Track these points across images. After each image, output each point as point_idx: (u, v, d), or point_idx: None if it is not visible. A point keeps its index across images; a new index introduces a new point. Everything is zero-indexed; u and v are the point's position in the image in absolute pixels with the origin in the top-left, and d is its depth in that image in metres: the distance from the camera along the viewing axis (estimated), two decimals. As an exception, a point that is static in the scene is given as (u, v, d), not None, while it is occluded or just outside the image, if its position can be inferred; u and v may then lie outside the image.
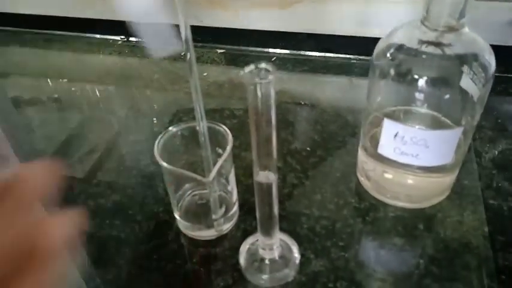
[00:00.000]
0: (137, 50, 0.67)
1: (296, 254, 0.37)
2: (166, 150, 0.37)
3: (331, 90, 0.59)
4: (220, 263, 0.38)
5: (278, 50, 0.64)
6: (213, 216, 0.38)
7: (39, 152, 0.52)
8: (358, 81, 0.58)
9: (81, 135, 0.54)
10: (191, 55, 0.31)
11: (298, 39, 0.63)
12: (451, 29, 0.32)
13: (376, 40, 0.38)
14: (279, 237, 0.36)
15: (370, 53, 0.37)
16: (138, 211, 0.43)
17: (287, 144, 0.49)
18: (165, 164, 0.34)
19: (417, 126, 0.35)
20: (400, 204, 0.41)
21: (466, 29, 0.33)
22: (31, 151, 0.51)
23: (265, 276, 0.36)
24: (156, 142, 0.36)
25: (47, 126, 0.57)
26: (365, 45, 0.58)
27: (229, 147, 0.35)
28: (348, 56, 0.61)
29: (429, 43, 0.33)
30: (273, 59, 0.62)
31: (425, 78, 0.34)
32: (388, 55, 0.35)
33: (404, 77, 0.35)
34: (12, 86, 0.65)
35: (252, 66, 0.25)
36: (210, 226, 0.38)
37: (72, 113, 0.58)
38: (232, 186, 0.39)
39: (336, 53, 0.62)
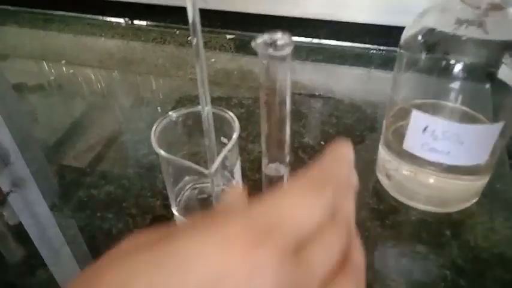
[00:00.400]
0: (141, 33, 0.63)
1: None
2: (166, 138, 0.33)
3: (348, 81, 0.54)
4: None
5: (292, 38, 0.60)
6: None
7: (36, 139, 0.49)
8: (377, 73, 0.54)
9: (78, 123, 0.50)
10: (198, 39, 0.27)
11: (313, 26, 0.58)
12: (494, 7, 0.28)
13: (399, 29, 0.33)
14: None
15: (390, 43, 0.33)
16: (133, 204, 0.39)
17: (299, 137, 0.45)
18: (162, 152, 0.30)
19: (450, 120, 0.31)
20: (423, 207, 0.37)
21: (511, 9, 0.28)
22: (29, 138, 0.48)
23: None
24: (154, 128, 0.32)
25: (44, 111, 0.53)
26: (386, 34, 0.54)
27: (235, 136, 0.31)
28: (366, 45, 0.57)
29: (469, 23, 0.28)
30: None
31: (460, 67, 0.29)
32: (419, 40, 0.31)
33: (435, 66, 0.31)
34: (11, 68, 0.61)
35: (265, 36, 0.21)
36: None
37: (70, 98, 0.55)
38: (238, 180, 0.35)
39: (354, 42, 0.58)
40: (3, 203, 0.41)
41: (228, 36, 0.60)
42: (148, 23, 0.64)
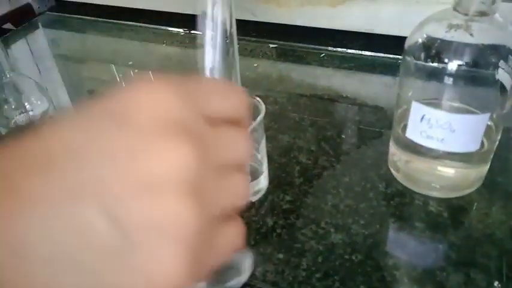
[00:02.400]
0: (196, 41, 0.73)
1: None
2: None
3: (375, 87, 0.60)
4: (246, 226, 0.40)
5: (328, 48, 0.66)
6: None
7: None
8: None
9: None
10: (234, 49, 0.35)
11: (348, 37, 0.65)
12: (482, 14, 0.33)
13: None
14: None
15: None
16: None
17: (323, 131, 0.51)
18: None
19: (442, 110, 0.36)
20: (428, 193, 0.41)
21: (497, 15, 0.33)
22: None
23: None
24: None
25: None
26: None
27: (260, 116, 0.38)
28: (396, 56, 0.62)
29: (458, 27, 0.34)
30: (321, 55, 0.65)
31: (456, 69, 0.35)
32: (418, 46, 0.37)
33: (433, 68, 0.36)
34: (88, 70, 0.73)
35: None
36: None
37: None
38: (263, 156, 0.41)
39: (384, 53, 0.63)
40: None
41: (271, 45, 0.68)
42: (204, 33, 0.74)
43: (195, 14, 0.74)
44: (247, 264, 0.36)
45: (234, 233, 0.19)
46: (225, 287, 0.34)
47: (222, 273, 0.34)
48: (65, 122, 0.15)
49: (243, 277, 0.35)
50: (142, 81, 0.16)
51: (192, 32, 0.74)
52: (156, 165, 0.14)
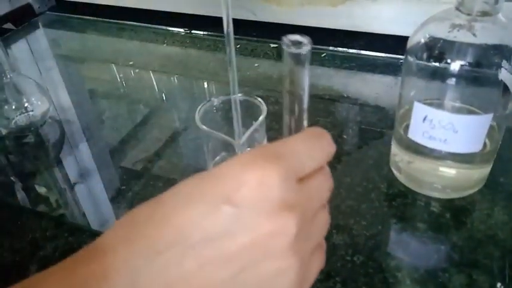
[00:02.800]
0: (197, 41, 0.73)
1: None
2: (207, 119, 0.40)
3: (376, 87, 0.60)
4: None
5: (329, 47, 0.66)
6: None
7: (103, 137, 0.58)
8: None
9: (140, 119, 0.59)
10: (231, 48, 0.34)
11: (349, 37, 0.64)
12: (485, 14, 0.33)
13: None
14: None
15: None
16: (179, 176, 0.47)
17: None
18: (202, 126, 0.38)
19: (445, 111, 0.36)
20: (429, 193, 0.41)
21: (501, 15, 0.33)
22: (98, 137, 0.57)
23: None
24: (198, 109, 0.40)
25: (112, 112, 0.63)
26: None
27: (262, 117, 0.38)
28: (397, 55, 0.62)
29: (461, 27, 0.33)
30: (322, 55, 0.64)
31: (459, 69, 0.34)
32: (421, 46, 0.36)
33: (435, 67, 0.36)
34: (88, 70, 0.73)
35: (289, 36, 0.27)
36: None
37: (135, 97, 0.64)
38: (263, 157, 0.41)
39: (385, 53, 0.63)
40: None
41: (272, 45, 0.68)
42: (204, 32, 0.73)
43: (194, 14, 0.74)
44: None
45: (321, 257, 0.22)
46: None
47: None
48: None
49: None
50: (241, 159, 0.19)
51: (193, 32, 0.74)
52: (265, 241, 0.18)
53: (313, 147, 0.20)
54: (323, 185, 0.21)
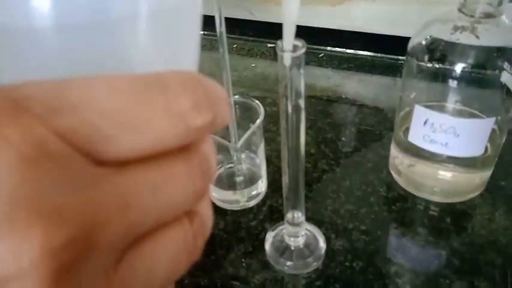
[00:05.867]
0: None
1: (322, 244, 0.37)
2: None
3: (375, 88, 0.59)
4: (244, 232, 0.39)
5: (327, 48, 0.65)
6: (237, 179, 0.39)
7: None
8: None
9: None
10: (224, 48, 0.34)
11: (347, 37, 0.64)
12: (488, 16, 0.32)
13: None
14: (306, 226, 0.37)
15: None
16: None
17: (323, 133, 0.50)
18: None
19: (446, 114, 0.35)
20: (430, 197, 0.40)
21: (504, 17, 0.32)
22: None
23: (289, 263, 0.36)
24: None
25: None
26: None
27: (259, 120, 0.37)
28: (395, 56, 0.61)
29: (463, 29, 0.33)
30: (320, 55, 0.64)
31: (461, 71, 0.34)
32: (422, 48, 0.36)
33: (437, 70, 0.35)
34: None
35: (282, 41, 0.27)
36: (233, 189, 0.40)
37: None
38: (261, 160, 0.40)
39: (384, 53, 0.62)
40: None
41: (269, 45, 0.67)
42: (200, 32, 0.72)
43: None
44: None
45: None
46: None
47: None
48: None
49: None
50: None
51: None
52: None
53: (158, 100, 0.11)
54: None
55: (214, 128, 0.12)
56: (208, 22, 0.74)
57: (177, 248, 0.13)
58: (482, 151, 0.36)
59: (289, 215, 0.34)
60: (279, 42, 0.27)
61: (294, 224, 0.35)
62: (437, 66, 0.35)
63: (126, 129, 0.11)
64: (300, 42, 0.27)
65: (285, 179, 0.32)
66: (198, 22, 0.16)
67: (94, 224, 0.10)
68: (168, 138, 0.11)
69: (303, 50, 0.26)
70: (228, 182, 0.42)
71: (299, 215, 0.34)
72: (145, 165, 0.11)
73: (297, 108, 0.29)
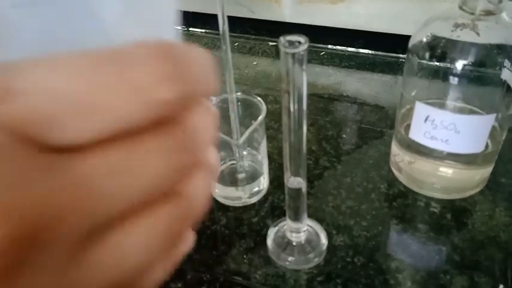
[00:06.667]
0: (195, 39, 0.72)
1: (323, 240, 0.37)
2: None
3: (376, 86, 0.59)
4: (246, 228, 0.40)
5: (328, 46, 0.66)
6: (239, 176, 0.40)
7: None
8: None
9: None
10: (226, 46, 0.34)
11: (348, 35, 0.64)
12: (488, 13, 0.32)
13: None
14: (308, 222, 0.37)
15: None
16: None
17: (324, 130, 0.50)
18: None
19: (447, 111, 0.35)
20: (430, 194, 0.41)
21: (504, 15, 0.33)
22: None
23: (290, 258, 0.36)
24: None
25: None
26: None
27: (261, 117, 0.37)
28: (397, 54, 0.62)
29: (464, 26, 0.33)
30: (321, 53, 0.64)
31: (462, 68, 0.34)
32: (423, 45, 0.36)
33: (438, 67, 0.35)
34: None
35: (287, 37, 0.27)
36: (235, 185, 0.41)
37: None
38: (263, 157, 0.41)
39: (385, 51, 0.62)
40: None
41: (271, 43, 0.67)
42: (202, 30, 0.73)
43: (192, 11, 0.74)
44: None
45: None
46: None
47: None
48: None
49: None
50: None
51: (190, 29, 0.73)
52: None
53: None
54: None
55: (192, 99, 0.11)
56: (209, 20, 0.75)
57: (150, 236, 0.11)
58: (482, 148, 0.36)
59: (290, 212, 0.35)
60: (281, 38, 0.27)
61: (295, 220, 0.35)
62: (438, 63, 0.35)
63: (79, 111, 0.10)
64: (302, 38, 0.28)
65: (287, 176, 0.32)
66: None
67: (45, 218, 0.09)
68: (130, 116, 0.10)
69: (306, 46, 0.26)
70: (230, 178, 0.42)
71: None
72: (108, 147, 0.10)
73: (299, 104, 0.29)
